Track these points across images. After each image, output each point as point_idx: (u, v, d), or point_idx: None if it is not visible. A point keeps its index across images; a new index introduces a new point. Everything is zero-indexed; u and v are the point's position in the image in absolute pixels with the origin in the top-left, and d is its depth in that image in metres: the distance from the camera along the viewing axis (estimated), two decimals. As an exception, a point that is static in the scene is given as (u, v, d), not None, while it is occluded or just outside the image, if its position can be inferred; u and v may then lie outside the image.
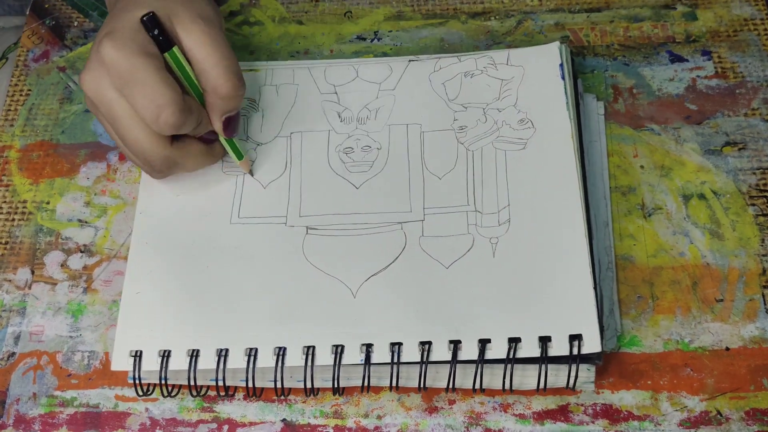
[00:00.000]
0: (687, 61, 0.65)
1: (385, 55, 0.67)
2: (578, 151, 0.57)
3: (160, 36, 0.51)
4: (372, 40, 0.68)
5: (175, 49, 0.52)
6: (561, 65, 0.60)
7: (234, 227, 0.57)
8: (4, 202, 0.62)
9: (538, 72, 0.61)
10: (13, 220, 0.62)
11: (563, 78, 0.60)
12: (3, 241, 0.61)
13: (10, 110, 0.67)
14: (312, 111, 0.61)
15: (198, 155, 0.56)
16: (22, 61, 0.69)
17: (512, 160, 0.58)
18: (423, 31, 0.68)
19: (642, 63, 0.65)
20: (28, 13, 0.72)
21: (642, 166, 0.60)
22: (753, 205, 0.58)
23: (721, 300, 0.55)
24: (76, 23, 0.71)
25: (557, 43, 0.62)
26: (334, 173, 0.59)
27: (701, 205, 0.59)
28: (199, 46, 0.52)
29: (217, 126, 0.55)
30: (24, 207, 0.62)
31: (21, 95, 0.67)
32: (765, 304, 0.55)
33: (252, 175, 0.59)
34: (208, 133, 0.56)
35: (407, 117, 0.60)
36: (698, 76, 0.64)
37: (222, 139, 0.57)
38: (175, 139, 0.54)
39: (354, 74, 0.63)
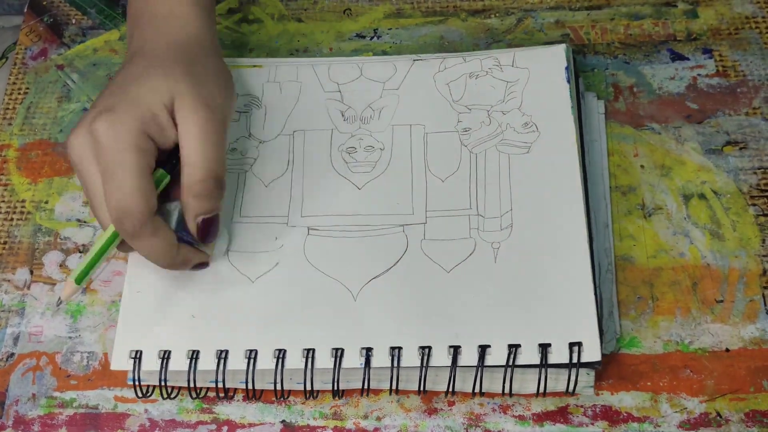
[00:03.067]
0: (688, 59, 0.65)
1: (384, 53, 0.67)
2: (580, 153, 0.57)
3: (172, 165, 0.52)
4: (371, 38, 0.68)
5: (162, 171, 0.51)
6: (567, 68, 0.60)
7: (235, 226, 0.57)
8: (3, 201, 0.62)
9: (544, 75, 0.60)
10: (12, 219, 0.62)
11: (569, 82, 0.59)
12: (2, 241, 0.61)
13: (8, 109, 0.66)
14: (315, 109, 0.61)
15: (160, 254, 0.51)
16: (20, 59, 0.69)
17: (516, 164, 0.57)
18: (423, 29, 0.68)
19: (643, 61, 0.65)
20: (26, 10, 0.71)
21: (642, 166, 0.60)
22: (754, 205, 0.58)
23: (721, 301, 0.55)
24: (74, 21, 0.71)
25: (564, 45, 0.61)
26: (336, 173, 0.58)
27: (702, 205, 0.59)
28: (189, 139, 0.50)
29: (191, 226, 0.51)
30: (23, 206, 0.62)
31: (19, 94, 0.67)
32: (765, 305, 0.55)
33: (58, 304, 0.53)
34: (198, 266, 0.54)
35: (411, 117, 0.60)
36: (699, 75, 0.64)
37: (104, 239, 0.51)
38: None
39: (358, 72, 0.63)
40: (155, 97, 0.50)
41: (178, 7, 0.56)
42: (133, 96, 0.51)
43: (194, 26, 0.56)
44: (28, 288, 0.59)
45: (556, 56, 0.61)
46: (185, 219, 0.51)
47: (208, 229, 0.52)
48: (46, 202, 0.62)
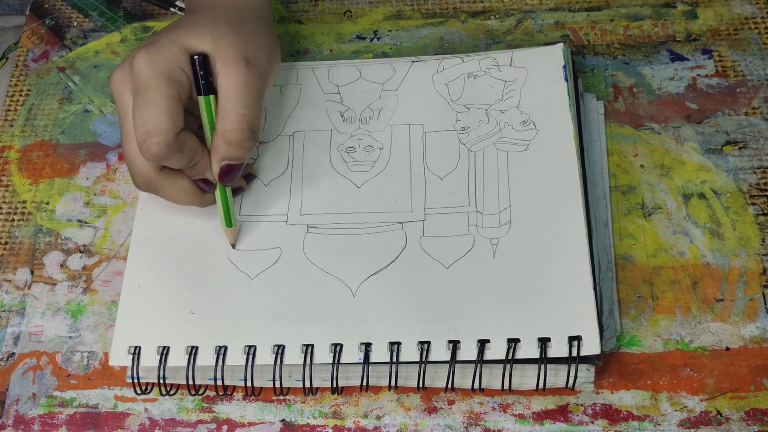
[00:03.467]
0: (687, 59, 0.65)
1: (384, 54, 0.67)
2: (579, 151, 0.57)
3: (202, 80, 0.52)
4: (372, 40, 0.68)
5: (211, 97, 0.52)
6: (564, 67, 0.60)
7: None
8: (4, 202, 0.62)
9: (542, 74, 0.60)
10: (13, 220, 0.62)
11: (566, 80, 0.60)
12: (2, 241, 0.61)
13: (9, 110, 0.67)
14: (315, 110, 0.61)
15: (182, 193, 0.54)
16: (21, 61, 0.69)
17: (514, 161, 0.57)
18: (423, 31, 0.68)
19: (642, 62, 0.65)
20: (27, 13, 0.72)
21: (642, 166, 0.60)
22: (753, 204, 0.58)
23: (721, 300, 0.55)
24: (75, 23, 0.71)
25: (561, 44, 0.61)
26: (335, 172, 0.59)
27: (701, 205, 0.59)
28: (229, 87, 0.52)
29: (215, 167, 0.53)
30: (24, 207, 0.62)
31: (21, 95, 0.67)
32: (765, 303, 0.55)
33: (234, 247, 0.56)
34: (203, 182, 0.54)
35: (410, 117, 0.60)
36: (698, 75, 0.64)
37: (218, 191, 0.55)
38: (166, 167, 0.53)
39: (357, 74, 0.63)
40: (197, 41, 0.52)
41: None
42: (177, 37, 0.52)
43: None
44: (29, 288, 0.59)
45: (554, 55, 0.61)
46: (211, 159, 0.53)
47: (230, 173, 0.53)
48: (47, 203, 0.62)
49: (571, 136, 0.57)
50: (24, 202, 0.62)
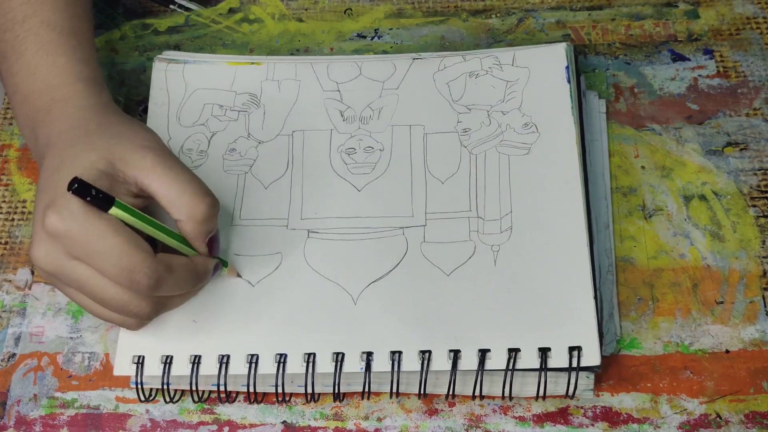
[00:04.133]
0: (689, 60, 0.65)
1: (385, 53, 0.66)
2: (581, 154, 0.57)
3: (97, 196, 0.46)
4: (372, 38, 0.68)
5: (116, 203, 0.47)
6: (567, 68, 0.60)
7: (235, 229, 0.57)
8: (4, 201, 0.62)
9: (544, 74, 0.60)
10: (13, 219, 0.62)
11: (569, 81, 0.59)
12: (3, 241, 0.61)
13: (9, 109, 0.66)
14: (314, 109, 0.61)
15: (190, 279, 0.51)
16: (20, 58, 0.69)
17: (516, 165, 0.57)
18: (424, 29, 0.68)
19: (643, 62, 0.65)
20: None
21: (643, 167, 0.60)
22: (754, 206, 0.58)
23: (722, 302, 0.55)
24: (75, 20, 0.71)
25: (564, 44, 0.61)
26: (336, 174, 0.58)
27: (702, 207, 0.59)
28: (157, 179, 0.48)
29: (203, 250, 0.51)
30: (23, 207, 0.62)
31: (20, 93, 0.67)
32: (765, 306, 0.55)
33: (240, 276, 0.55)
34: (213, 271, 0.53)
35: (410, 117, 0.60)
36: (700, 76, 0.64)
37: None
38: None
39: (357, 71, 0.62)
40: (91, 171, 0.48)
41: (63, 89, 0.54)
42: (63, 178, 0.47)
43: (88, 99, 0.54)
44: (30, 288, 0.59)
45: (556, 55, 0.61)
46: (192, 245, 0.51)
47: (215, 243, 0.52)
48: (47, 203, 0.62)
49: (573, 141, 0.57)
50: (24, 201, 0.62)
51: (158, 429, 0.54)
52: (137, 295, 0.48)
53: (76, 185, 0.46)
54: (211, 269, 0.52)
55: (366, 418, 0.53)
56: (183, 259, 0.50)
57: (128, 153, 0.49)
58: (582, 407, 0.53)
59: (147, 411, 0.54)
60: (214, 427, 0.53)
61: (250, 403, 0.54)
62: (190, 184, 0.49)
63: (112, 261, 0.46)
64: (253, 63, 0.63)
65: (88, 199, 0.46)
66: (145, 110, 0.62)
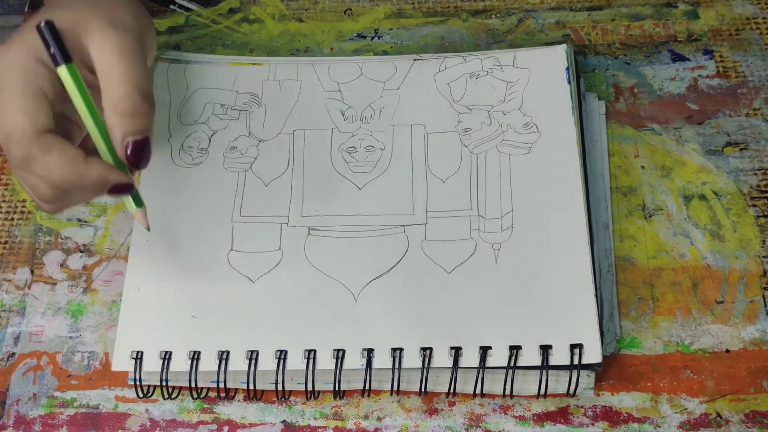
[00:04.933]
0: (688, 60, 0.65)
1: (385, 53, 0.67)
2: (581, 154, 0.57)
3: (52, 48, 0.45)
4: (372, 38, 0.68)
5: (67, 66, 0.45)
6: (567, 69, 0.60)
7: (236, 226, 0.57)
8: (4, 201, 0.62)
9: (545, 75, 0.60)
10: (13, 219, 0.62)
11: (569, 82, 0.59)
12: (2, 240, 0.61)
13: (9, 108, 0.66)
14: (315, 108, 0.61)
15: (63, 173, 0.46)
16: (20, 58, 0.69)
17: (516, 164, 0.57)
18: (423, 29, 0.68)
19: (643, 62, 0.65)
20: (26, 10, 0.71)
21: (643, 167, 0.60)
22: (754, 206, 0.58)
23: (722, 302, 0.55)
24: (75, 20, 0.71)
25: (564, 45, 0.61)
26: (336, 173, 0.58)
27: (702, 206, 0.59)
28: (104, 56, 0.46)
29: (119, 151, 0.46)
30: (23, 206, 0.62)
31: (20, 93, 0.67)
32: (765, 306, 0.55)
33: (148, 230, 0.52)
34: (116, 190, 0.47)
35: (411, 117, 0.60)
36: (700, 76, 0.64)
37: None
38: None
39: (358, 72, 0.63)
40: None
41: None
42: (28, 28, 0.47)
43: None
44: (29, 288, 0.59)
45: (557, 56, 0.61)
46: (112, 143, 0.46)
47: (140, 153, 0.46)
48: (47, 202, 0.62)
49: (573, 140, 0.57)
50: (24, 201, 0.62)
51: (158, 428, 0.54)
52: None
53: (42, 25, 0.45)
54: (104, 176, 0.46)
55: (366, 417, 0.53)
56: (68, 147, 0.45)
57: (95, 24, 0.47)
58: (582, 407, 0.53)
59: (146, 410, 0.54)
60: (214, 427, 0.53)
61: (250, 399, 0.54)
62: (130, 72, 0.46)
63: (3, 117, 0.45)
64: (254, 63, 0.63)
65: (50, 48, 0.45)
66: (145, 109, 0.62)
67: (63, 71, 0.46)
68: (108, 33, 0.46)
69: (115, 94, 0.45)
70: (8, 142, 0.45)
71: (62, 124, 0.48)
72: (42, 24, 0.45)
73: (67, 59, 0.45)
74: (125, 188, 0.47)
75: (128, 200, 0.49)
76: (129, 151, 0.46)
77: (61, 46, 0.45)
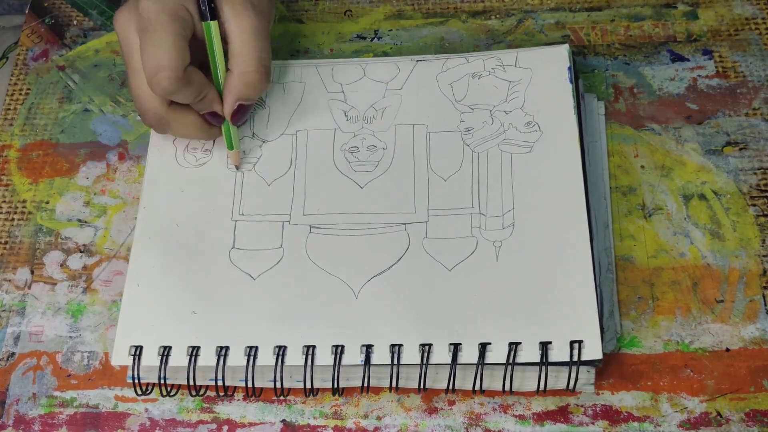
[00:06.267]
0: (688, 60, 0.65)
1: (385, 54, 0.67)
2: (582, 153, 0.57)
3: (204, 5, 0.54)
4: (372, 39, 0.68)
5: (214, 23, 0.54)
6: (569, 68, 0.60)
7: (237, 224, 0.57)
8: (4, 201, 0.62)
9: (547, 74, 0.60)
10: (13, 219, 0.62)
11: (571, 81, 0.59)
12: (2, 240, 0.61)
13: (9, 109, 0.67)
14: (318, 109, 0.61)
15: (190, 126, 0.57)
16: (21, 60, 0.69)
17: (518, 163, 0.57)
18: (423, 30, 0.68)
19: (643, 62, 0.65)
20: (27, 11, 0.71)
21: (642, 166, 0.60)
22: (754, 205, 0.58)
23: (722, 301, 0.55)
24: (75, 22, 0.71)
25: (566, 45, 0.61)
26: (338, 172, 0.59)
27: (702, 206, 0.59)
28: (243, 32, 0.54)
29: (228, 107, 0.56)
30: (23, 207, 0.62)
31: (20, 94, 0.67)
32: (765, 305, 0.55)
33: (238, 169, 0.59)
34: (211, 116, 0.57)
35: (414, 117, 0.60)
36: (699, 76, 0.64)
37: (225, 123, 0.57)
38: (174, 102, 0.56)
39: (361, 73, 0.63)
40: None
41: None
42: None
43: None
44: (29, 288, 0.59)
45: (559, 56, 0.61)
46: (224, 98, 0.56)
47: (241, 112, 0.57)
48: (47, 203, 0.62)
49: (575, 139, 0.57)
50: (24, 201, 0.62)
51: (157, 428, 0.54)
52: (154, 98, 0.55)
53: None
54: (213, 101, 0.56)
55: (365, 416, 0.53)
56: (201, 76, 0.55)
57: (239, 2, 0.55)
58: (582, 405, 0.53)
59: (146, 410, 0.54)
60: (213, 426, 0.53)
61: (249, 398, 0.54)
62: (262, 52, 0.55)
63: (154, 51, 0.52)
64: None
65: (203, 5, 0.54)
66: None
67: (211, 25, 0.55)
68: (248, 13, 0.55)
69: (245, 67, 0.55)
70: (159, 74, 0.52)
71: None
72: None
73: (213, 17, 0.55)
74: (218, 118, 0.57)
75: (228, 141, 0.58)
76: (236, 110, 0.56)
77: (212, 6, 0.55)
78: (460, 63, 0.62)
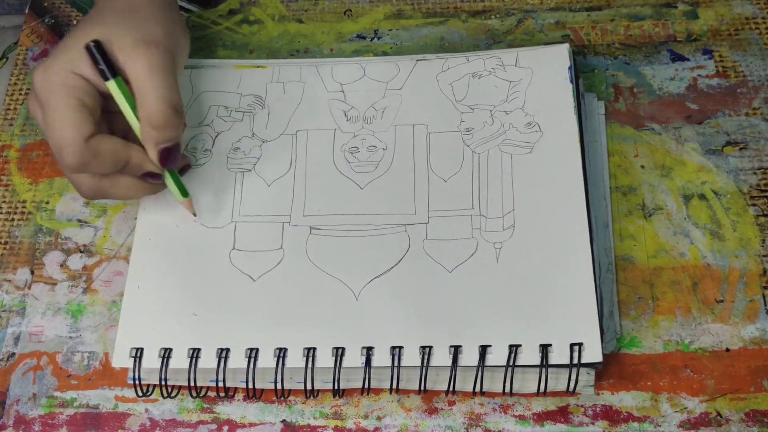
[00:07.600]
0: (688, 60, 0.65)
1: (384, 54, 0.67)
2: (582, 153, 0.57)
3: (101, 65, 0.51)
4: (372, 39, 0.68)
5: (115, 80, 0.51)
6: (570, 68, 0.60)
7: (238, 225, 0.57)
8: (4, 202, 0.62)
9: (547, 74, 0.60)
10: (13, 220, 0.62)
11: (571, 81, 0.59)
12: (2, 241, 0.61)
13: (9, 110, 0.66)
14: (318, 109, 0.61)
15: (131, 189, 0.54)
16: (21, 59, 0.69)
17: (518, 164, 0.57)
18: (423, 30, 0.68)
19: (643, 62, 0.65)
20: (27, 11, 0.71)
21: (642, 166, 0.60)
22: (754, 205, 0.58)
23: (722, 301, 0.55)
24: (75, 21, 0.71)
25: (567, 45, 0.61)
26: (339, 172, 0.59)
27: (702, 206, 0.59)
28: (138, 73, 0.51)
29: (153, 156, 0.53)
30: (23, 207, 0.62)
31: (20, 94, 0.67)
32: (765, 305, 0.55)
33: (195, 216, 0.57)
34: (149, 176, 0.54)
35: (414, 117, 0.60)
36: (699, 76, 0.64)
37: (165, 174, 0.55)
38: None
39: (361, 73, 0.63)
40: (86, 40, 0.51)
41: None
42: (67, 44, 0.52)
43: None
44: (29, 288, 0.59)
45: (560, 56, 0.61)
46: (146, 149, 0.53)
47: (170, 157, 0.53)
48: (47, 203, 0.62)
49: (575, 139, 0.57)
50: (24, 201, 0.62)
51: (157, 428, 0.54)
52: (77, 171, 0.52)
53: (91, 45, 0.50)
54: (141, 162, 0.53)
55: (366, 416, 0.53)
56: (113, 141, 0.52)
57: (128, 40, 0.51)
58: (582, 406, 0.53)
59: (146, 410, 0.54)
60: (214, 426, 0.53)
61: (249, 399, 0.54)
62: (161, 89, 0.51)
63: (54, 130, 0.50)
64: (258, 66, 0.64)
65: (99, 65, 0.51)
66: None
67: (112, 84, 0.51)
68: (139, 50, 0.51)
69: (149, 108, 0.51)
70: (61, 152, 0.50)
71: (105, 119, 0.53)
72: (91, 44, 0.50)
73: (114, 74, 0.51)
74: (155, 176, 0.54)
75: (175, 191, 0.55)
76: (161, 156, 0.53)
77: (108, 63, 0.51)
78: (460, 63, 0.62)
